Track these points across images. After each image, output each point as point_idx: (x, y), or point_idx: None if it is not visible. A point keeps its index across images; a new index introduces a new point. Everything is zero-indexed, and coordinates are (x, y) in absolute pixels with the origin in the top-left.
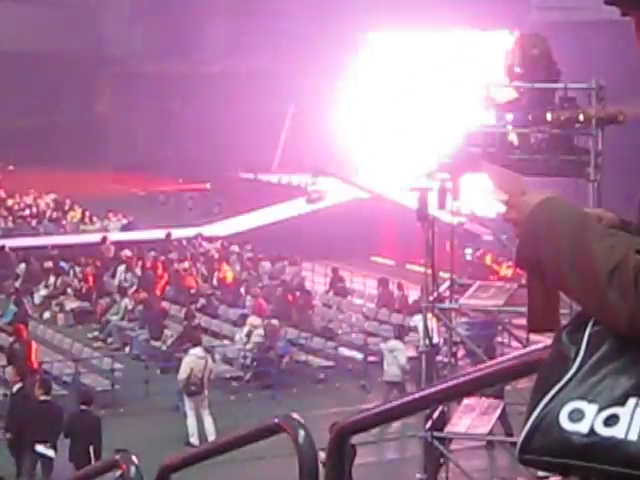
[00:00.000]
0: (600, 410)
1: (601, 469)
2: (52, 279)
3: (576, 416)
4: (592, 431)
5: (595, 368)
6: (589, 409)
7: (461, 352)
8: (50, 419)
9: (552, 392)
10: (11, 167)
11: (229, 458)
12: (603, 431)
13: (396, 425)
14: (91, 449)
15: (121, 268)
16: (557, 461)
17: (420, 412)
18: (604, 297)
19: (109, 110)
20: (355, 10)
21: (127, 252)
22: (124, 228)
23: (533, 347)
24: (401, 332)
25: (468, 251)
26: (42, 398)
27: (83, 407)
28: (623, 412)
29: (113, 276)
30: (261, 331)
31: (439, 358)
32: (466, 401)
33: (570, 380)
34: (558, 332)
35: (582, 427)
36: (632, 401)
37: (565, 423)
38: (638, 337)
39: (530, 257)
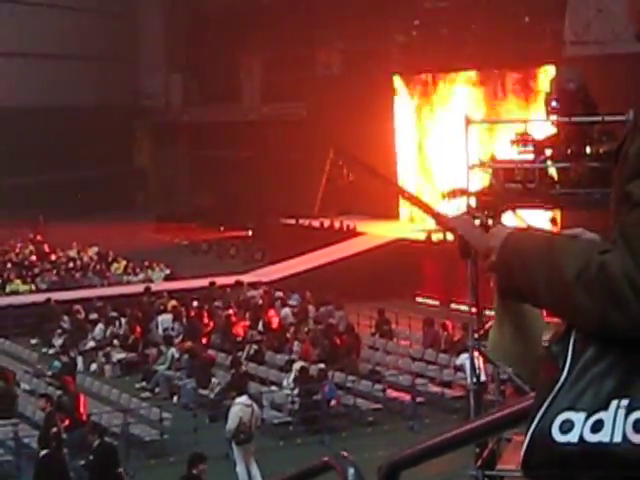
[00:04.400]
0: (587, 417)
1: (600, 475)
2: (98, 330)
3: (566, 427)
4: (582, 439)
5: (581, 374)
6: (577, 418)
7: (509, 390)
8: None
9: (545, 406)
10: (41, 218)
11: None
12: (591, 438)
13: (446, 464)
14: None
15: (167, 317)
16: (560, 473)
17: (469, 447)
18: (574, 301)
19: (148, 161)
20: (390, 52)
21: (174, 302)
22: (167, 278)
23: None
24: None
25: None
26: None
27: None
28: (607, 416)
29: (157, 326)
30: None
31: (487, 397)
32: (517, 438)
33: (560, 390)
34: (548, 344)
35: (572, 437)
36: (614, 403)
37: (557, 436)
38: (615, 339)
39: (510, 287)
